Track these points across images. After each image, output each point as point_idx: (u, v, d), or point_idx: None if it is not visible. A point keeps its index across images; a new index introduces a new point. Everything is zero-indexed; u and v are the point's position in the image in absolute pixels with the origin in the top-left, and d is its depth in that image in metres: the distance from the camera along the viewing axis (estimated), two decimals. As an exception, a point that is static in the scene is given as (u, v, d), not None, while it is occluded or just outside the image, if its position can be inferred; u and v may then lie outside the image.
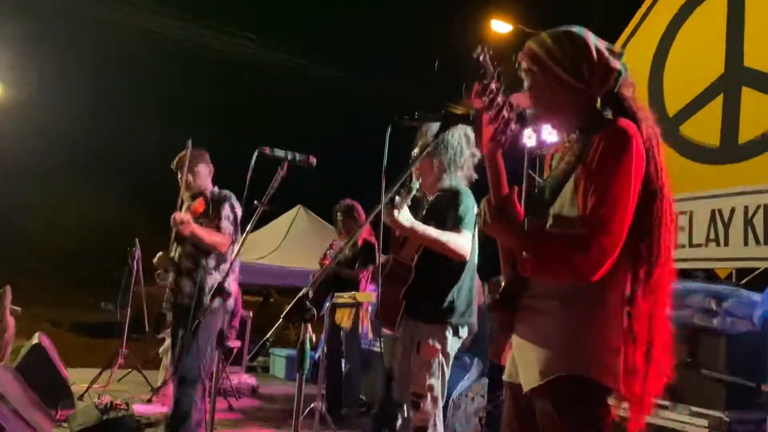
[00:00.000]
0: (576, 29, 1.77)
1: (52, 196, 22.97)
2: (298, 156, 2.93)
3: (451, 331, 2.97)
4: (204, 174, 4.03)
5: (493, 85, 1.62)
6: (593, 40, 1.75)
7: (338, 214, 5.77)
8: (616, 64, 1.74)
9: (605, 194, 1.58)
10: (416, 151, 2.99)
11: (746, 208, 4.49)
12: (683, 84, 5.02)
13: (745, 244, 4.49)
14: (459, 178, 3.08)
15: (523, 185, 8.43)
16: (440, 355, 2.94)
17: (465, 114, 2.05)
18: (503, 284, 1.76)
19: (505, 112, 1.64)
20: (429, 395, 2.90)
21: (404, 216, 2.79)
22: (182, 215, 3.72)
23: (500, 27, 10.41)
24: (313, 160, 2.97)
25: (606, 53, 1.74)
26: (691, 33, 5.30)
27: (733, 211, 4.46)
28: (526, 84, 1.81)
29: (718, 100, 4.80)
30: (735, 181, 4.44)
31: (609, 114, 1.76)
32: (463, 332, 3.03)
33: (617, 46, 1.78)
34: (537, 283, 1.70)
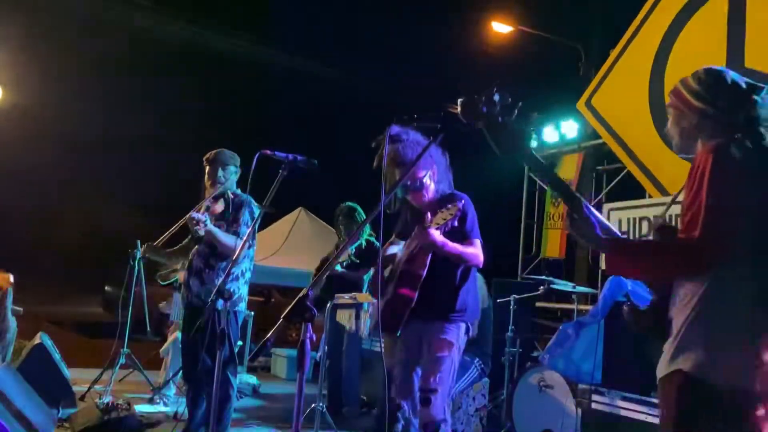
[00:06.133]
0: (717, 66, 1.95)
1: (53, 196, 23.00)
2: (299, 158, 2.94)
3: (463, 328, 3.09)
4: (232, 175, 4.06)
5: (484, 108, 1.87)
6: (734, 75, 1.91)
7: (339, 217, 5.75)
8: (753, 97, 1.86)
9: (693, 199, 1.72)
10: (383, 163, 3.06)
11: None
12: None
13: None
14: (451, 183, 3.26)
15: (524, 187, 8.43)
16: (453, 350, 3.02)
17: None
18: (655, 300, 1.94)
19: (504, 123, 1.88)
20: (439, 390, 2.95)
21: (436, 234, 2.91)
22: (200, 215, 3.72)
23: (501, 28, 10.41)
24: (314, 162, 2.98)
25: (743, 85, 1.89)
26: (692, 34, 5.31)
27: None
28: (669, 119, 2.01)
29: (719, 102, 4.80)
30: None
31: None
32: (472, 330, 3.17)
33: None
34: (676, 291, 1.82)
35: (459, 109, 1.94)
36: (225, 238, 3.77)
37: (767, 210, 1.70)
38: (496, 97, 1.92)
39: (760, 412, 1.60)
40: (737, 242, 1.66)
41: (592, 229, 1.89)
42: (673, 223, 2.01)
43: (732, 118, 1.84)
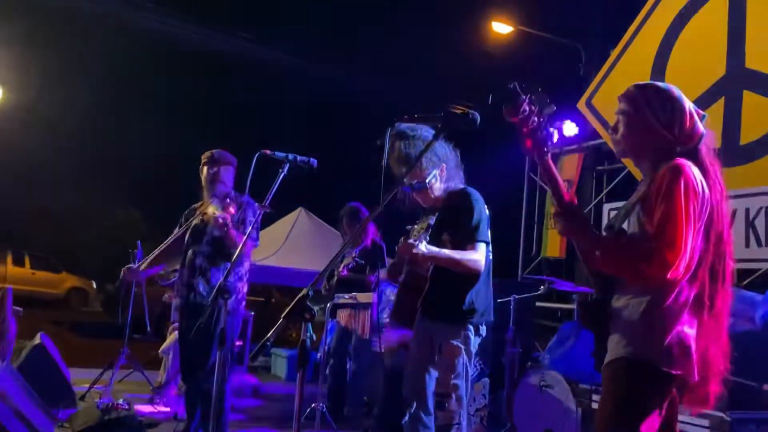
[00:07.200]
0: (675, 90, 2.07)
1: (54, 196, 23.00)
2: (299, 158, 2.94)
3: (472, 330, 3.03)
4: (232, 176, 4.06)
5: (526, 107, 1.94)
6: (687, 103, 2.05)
7: (344, 218, 5.70)
8: (700, 128, 2.04)
9: (667, 215, 1.87)
10: (391, 162, 3.03)
11: (747, 210, 4.50)
12: (685, 86, 4.99)
13: (747, 245, 4.49)
14: (462, 179, 3.17)
15: (525, 187, 8.42)
16: (464, 354, 2.98)
17: (464, 114, 2.07)
18: (596, 292, 2.13)
19: (539, 125, 1.97)
20: (454, 394, 2.94)
21: (424, 246, 2.79)
22: (226, 216, 3.68)
23: (501, 28, 10.40)
24: (314, 162, 2.98)
25: (695, 117, 2.04)
26: (692, 35, 5.30)
27: (734, 213, 4.46)
28: (619, 123, 2.11)
29: (720, 102, 4.81)
30: (736, 183, 4.44)
31: None
32: (483, 331, 3.09)
33: (699, 111, 2.08)
34: (621, 291, 2.03)
35: (506, 98, 1.98)
36: (238, 239, 3.76)
37: (709, 230, 1.95)
38: (536, 98, 1.98)
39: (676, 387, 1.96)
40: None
41: (593, 230, 2.01)
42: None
43: (683, 147, 2.01)
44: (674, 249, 1.84)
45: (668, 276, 1.84)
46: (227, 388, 3.87)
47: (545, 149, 2.00)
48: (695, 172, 1.94)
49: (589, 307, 2.16)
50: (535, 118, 1.97)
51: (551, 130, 1.99)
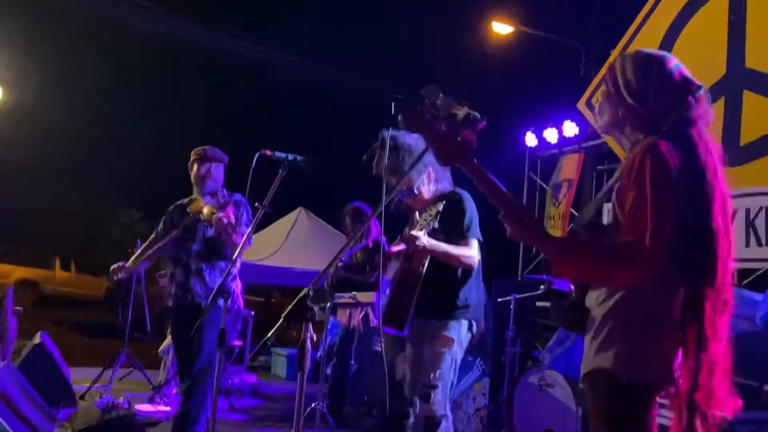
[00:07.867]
0: (658, 54, 1.87)
1: (53, 196, 23.00)
2: (299, 158, 2.94)
3: (465, 325, 3.10)
4: (222, 173, 4.03)
5: (427, 114, 1.83)
6: (673, 68, 1.84)
7: (346, 217, 5.69)
8: (688, 96, 1.81)
9: (639, 201, 1.65)
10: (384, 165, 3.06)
11: (748, 210, 4.49)
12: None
13: (747, 245, 4.49)
14: (450, 180, 3.26)
15: (525, 187, 8.42)
16: (454, 346, 3.03)
17: (465, 115, 2.06)
18: (573, 293, 1.93)
19: (450, 129, 1.82)
20: (440, 386, 2.95)
21: (426, 239, 2.91)
22: (230, 215, 3.64)
23: (501, 28, 10.40)
24: (314, 161, 2.98)
25: (680, 83, 1.82)
26: (692, 34, 5.30)
27: (734, 213, 4.45)
28: (602, 97, 1.94)
29: (720, 102, 4.80)
30: (736, 183, 4.43)
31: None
32: (474, 328, 3.16)
33: (697, 81, 1.86)
34: (595, 292, 1.83)
35: (400, 117, 1.88)
36: (238, 239, 3.74)
37: (695, 218, 1.69)
38: (440, 102, 1.84)
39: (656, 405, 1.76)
40: (668, 252, 1.65)
41: (544, 230, 1.85)
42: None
43: (663, 120, 1.80)
44: (644, 246, 1.61)
45: (640, 278, 1.65)
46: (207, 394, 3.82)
47: (466, 153, 1.83)
48: (672, 150, 1.70)
49: (565, 310, 1.96)
50: (442, 124, 1.82)
51: (470, 135, 1.82)
